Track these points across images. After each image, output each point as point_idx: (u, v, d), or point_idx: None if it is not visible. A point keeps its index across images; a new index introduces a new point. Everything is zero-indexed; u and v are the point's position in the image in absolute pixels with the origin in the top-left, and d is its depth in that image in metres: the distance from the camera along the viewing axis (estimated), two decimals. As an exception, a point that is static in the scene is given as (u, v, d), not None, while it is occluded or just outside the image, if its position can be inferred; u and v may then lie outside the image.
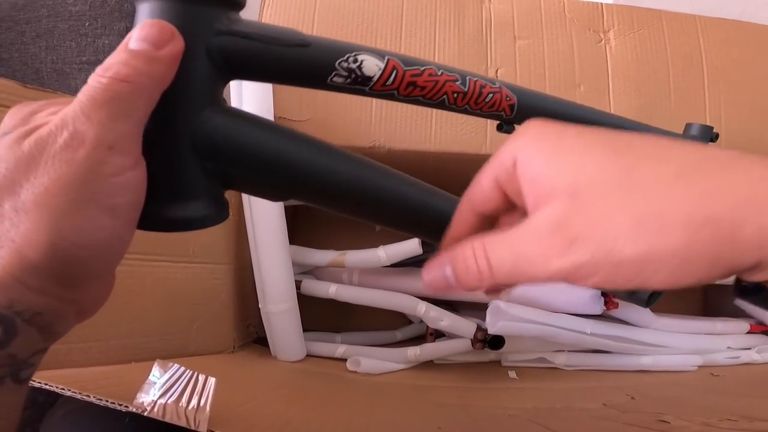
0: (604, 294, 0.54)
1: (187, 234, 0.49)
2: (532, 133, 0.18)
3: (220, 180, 0.20)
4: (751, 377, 0.54)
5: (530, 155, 0.17)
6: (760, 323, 0.60)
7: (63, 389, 0.31)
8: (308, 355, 0.59)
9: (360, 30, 0.53)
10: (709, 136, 0.47)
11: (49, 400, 0.43)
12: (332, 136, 0.51)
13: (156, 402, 0.29)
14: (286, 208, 0.70)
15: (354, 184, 0.22)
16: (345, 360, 0.57)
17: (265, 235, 0.51)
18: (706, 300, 0.72)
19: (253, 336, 0.62)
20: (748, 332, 0.58)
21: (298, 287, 0.59)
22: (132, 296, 0.44)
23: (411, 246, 0.55)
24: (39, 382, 0.30)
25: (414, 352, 0.57)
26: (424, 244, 0.56)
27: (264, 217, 0.50)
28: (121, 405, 0.29)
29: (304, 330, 0.67)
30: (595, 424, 0.40)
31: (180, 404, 0.29)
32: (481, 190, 0.20)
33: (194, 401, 0.30)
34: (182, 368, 0.31)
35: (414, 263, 0.58)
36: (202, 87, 0.19)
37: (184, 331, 0.49)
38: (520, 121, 0.31)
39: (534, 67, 0.55)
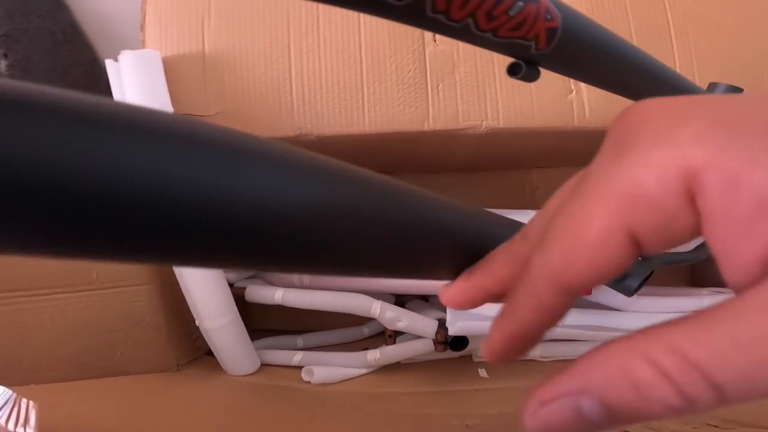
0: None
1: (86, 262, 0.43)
2: (700, 123, 0.10)
3: None
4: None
5: (732, 169, 0.09)
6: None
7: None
8: (265, 364, 0.55)
9: (267, 8, 0.45)
10: None
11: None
12: (250, 127, 0.44)
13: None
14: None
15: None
16: (302, 368, 0.52)
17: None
18: (693, 269, 0.65)
19: (205, 348, 0.58)
20: (744, 309, 0.52)
21: (242, 295, 0.54)
22: (27, 335, 0.40)
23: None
24: None
25: (374, 356, 0.52)
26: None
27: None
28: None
29: (266, 332, 0.62)
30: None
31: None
32: (590, 252, 0.11)
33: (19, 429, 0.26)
34: (9, 391, 0.27)
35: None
36: None
37: (106, 359, 0.45)
38: (552, 63, 0.20)
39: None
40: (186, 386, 0.49)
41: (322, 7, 0.46)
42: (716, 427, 0.35)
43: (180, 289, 0.50)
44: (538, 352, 0.53)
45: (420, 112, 0.46)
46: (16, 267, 0.39)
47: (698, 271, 0.65)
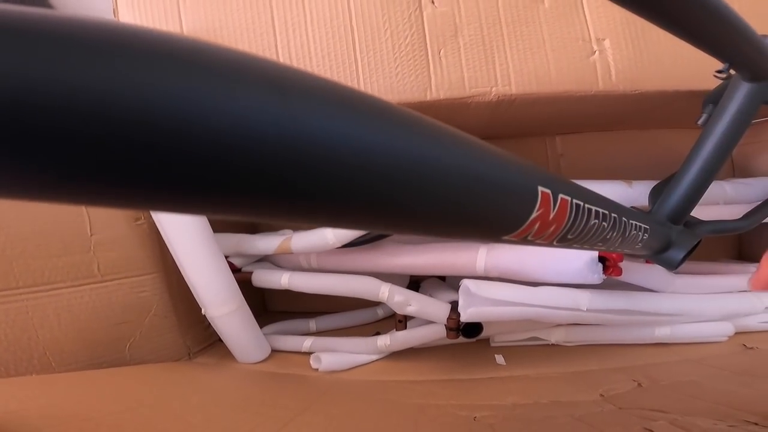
0: (602, 258, 0.43)
1: (85, 254, 0.43)
2: None
3: None
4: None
5: None
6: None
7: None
8: (276, 351, 0.54)
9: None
10: None
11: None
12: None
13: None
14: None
15: None
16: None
17: (176, 234, 0.44)
18: (741, 241, 0.59)
19: (217, 336, 0.58)
20: (796, 289, 0.46)
21: (250, 280, 0.53)
22: (33, 332, 0.40)
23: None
24: None
25: (384, 342, 0.50)
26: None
27: (173, 218, 0.43)
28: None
29: (279, 314, 0.62)
30: (568, 436, 0.32)
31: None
32: None
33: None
34: None
35: (368, 240, 0.49)
36: None
37: (117, 352, 0.45)
38: None
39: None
40: (197, 376, 0.49)
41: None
42: (756, 424, 0.31)
43: (185, 278, 0.49)
44: (561, 336, 0.49)
45: (421, 81, 0.42)
46: (15, 264, 0.39)
47: (746, 244, 0.59)
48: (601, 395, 0.40)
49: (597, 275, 0.42)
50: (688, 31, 0.24)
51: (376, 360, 0.51)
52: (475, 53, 0.42)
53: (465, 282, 0.44)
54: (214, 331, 0.57)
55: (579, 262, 0.42)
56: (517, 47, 0.42)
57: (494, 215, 0.15)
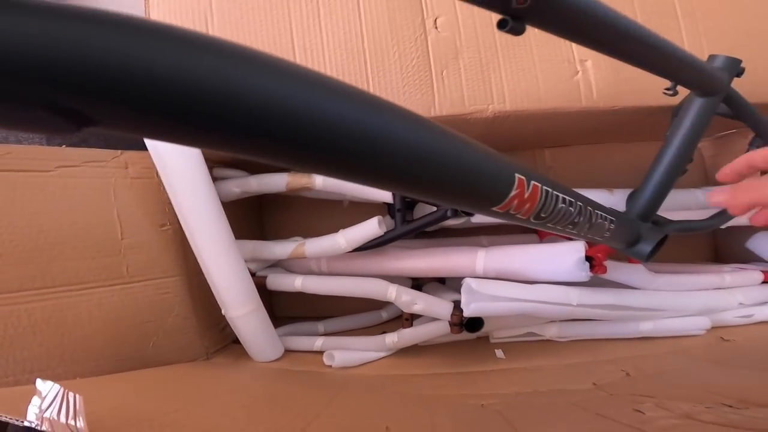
0: (588, 258, 0.47)
1: (115, 256, 0.46)
2: None
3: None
4: (766, 341, 0.47)
5: None
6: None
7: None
8: (288, 350, 0.57)
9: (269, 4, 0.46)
10: (736, 69, 0.41)
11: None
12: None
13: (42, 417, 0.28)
14: (252, 199, 0.66)
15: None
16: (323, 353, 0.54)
17: (204, 241, 0.47)
18: (716, 245, 0.64)
19: (232, 337, 0.61)
20: (762, 282, 0.51)
21: (264, 284, 0.57)
22: (66, 328, 0.42)
23: (371, 228, 0.50)
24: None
25: (392, 339, 0.53)
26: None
27: (200, 223, 0.47)
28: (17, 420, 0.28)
29: (288, 319, 0.65)
30: (565, 416, 0.36)
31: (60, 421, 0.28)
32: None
33: (71, 421, 0.28)
34: (57, 386, 0.29)
35: (376, 245, 0.53)
36: None
37: (141, 350, 0.48)
38: (536, 20, 0.23)
39: (478, 10, 0.46)
40: (216, 374, 0.52)
41: (321, 1, 0.47)
42: (730, 407, 0.35)
43: (206, 281, 0.53)
44: (555, 331, 0.53)
45: (425, 99, 0.47)
46: (53, 264, 0.42)
47: (721, 247, 0.64)
48: (594, 384, 0.43)
49: (585, 273, 0.47)
50: (639, 61, 0.31)
51: (384, 357, 0.54)
52: (474, 74, 0.47)
53: (467, 280, 0.48)
54: (229, 333, 0.60)
55: (569, 261, 0.47)
56: (511, 68, 0.47)
57: (485, 189, 0.22)
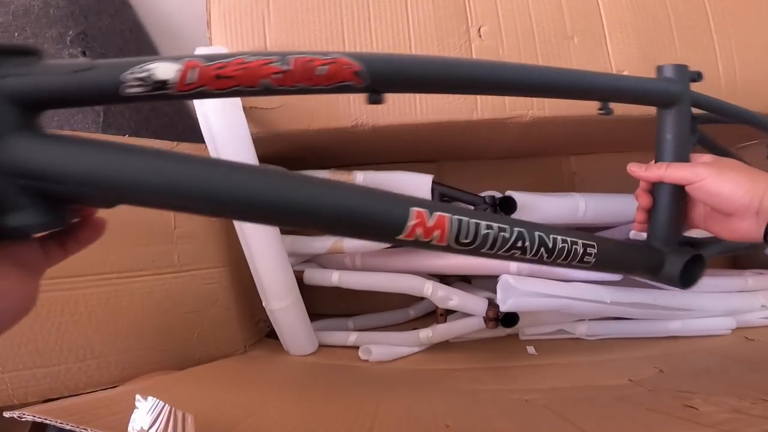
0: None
1: (168, 245, 0.47)
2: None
3: (40, 193, 0.21)
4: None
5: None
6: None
7: (61, 423, 0.30)
8: (322, 345, 0.58)
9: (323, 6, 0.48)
10: (687, 74, 0.40)
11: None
12: (310, 119, 0.48)
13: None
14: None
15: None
16: (357, 348, 0.55)
17: (253, 232, 0.48)
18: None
19: (265, 331, 0.62)
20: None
21: (301, 278, 0.58)
22: (121, 314, 0.44)
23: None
24: (35, 416, 0.30)
25: (426, 335, 0.55)
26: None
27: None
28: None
29: (317, 316, 0.66)
30: (616, 411, 0.37)
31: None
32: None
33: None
34: (161, 403, 0.29)
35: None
36: None
37: (185, 340, 0.49)
38: (384, 88, 0.28)
39: (520, 21, 0.49)
40: (253, 369, 0.52)
41: (372, 4, 0.49)
42: (768, 402, 0.36)
43: (246, 273, 0.54)
44: (584, 330, 0.55)
45: (469, 103, 0.49)
46: (111, 251, 0.43)
47: (739, 256, 0.66)
48: (630, 380, 0.45)
49: (619, 272, 0.49)
50: (575, 96, 0.38)
51: (417, 352, 0.56)
52: (516, 79, 0.49)
53: (504, 277, 0.50)
54: (262, 327, 0.61)
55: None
56: (552, 75, 0.49)
57: (380, 223, 0.25)
